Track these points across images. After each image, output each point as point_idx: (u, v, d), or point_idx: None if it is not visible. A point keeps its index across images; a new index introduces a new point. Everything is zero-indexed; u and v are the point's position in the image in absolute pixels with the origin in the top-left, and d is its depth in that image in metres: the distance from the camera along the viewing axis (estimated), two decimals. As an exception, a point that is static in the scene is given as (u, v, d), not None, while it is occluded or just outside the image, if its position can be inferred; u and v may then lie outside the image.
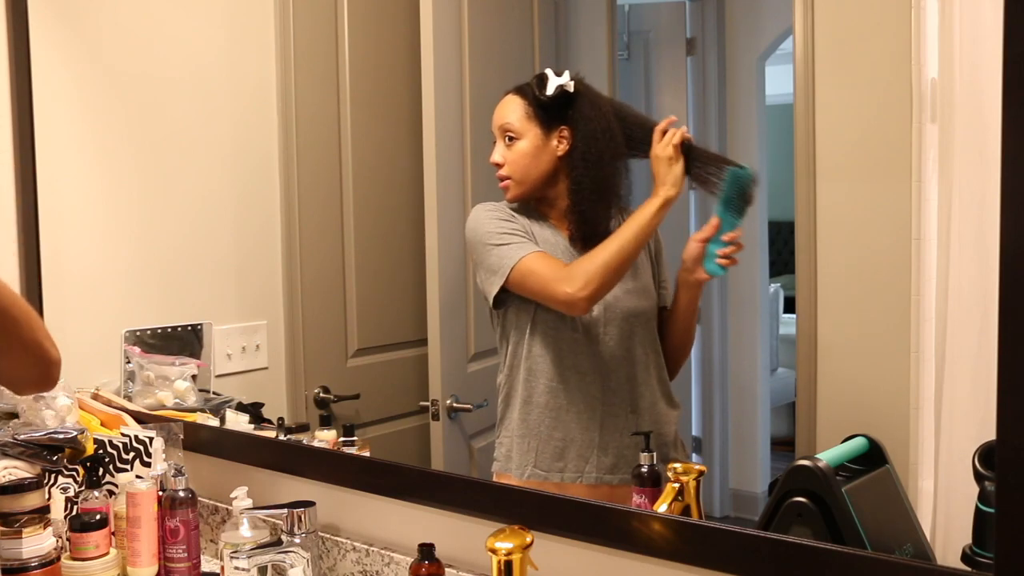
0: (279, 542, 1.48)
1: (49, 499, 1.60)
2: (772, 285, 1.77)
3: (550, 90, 1.56)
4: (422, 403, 1.85)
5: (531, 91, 1.58)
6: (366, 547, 1.53)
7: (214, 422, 1.95)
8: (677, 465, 1.35)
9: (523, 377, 1.59)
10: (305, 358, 2.10)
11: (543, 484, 1.57)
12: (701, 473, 1.34)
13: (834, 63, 1.37)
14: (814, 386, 1.39)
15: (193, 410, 1.99)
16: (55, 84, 2.03)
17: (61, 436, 1.65)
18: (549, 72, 1.57)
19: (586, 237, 1.56)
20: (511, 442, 1.62)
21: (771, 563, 1.13)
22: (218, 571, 1.59)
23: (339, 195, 2.10)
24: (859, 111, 1.36)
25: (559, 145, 1.57)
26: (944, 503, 1.23)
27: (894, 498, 1.22)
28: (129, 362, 2.03)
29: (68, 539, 1.58)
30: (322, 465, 1.67)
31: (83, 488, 1.66)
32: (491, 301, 1.59)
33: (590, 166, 1.56)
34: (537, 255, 1.55)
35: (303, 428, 1.95)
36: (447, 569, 1.37)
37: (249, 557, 1.47)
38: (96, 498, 1.61)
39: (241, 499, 1.61)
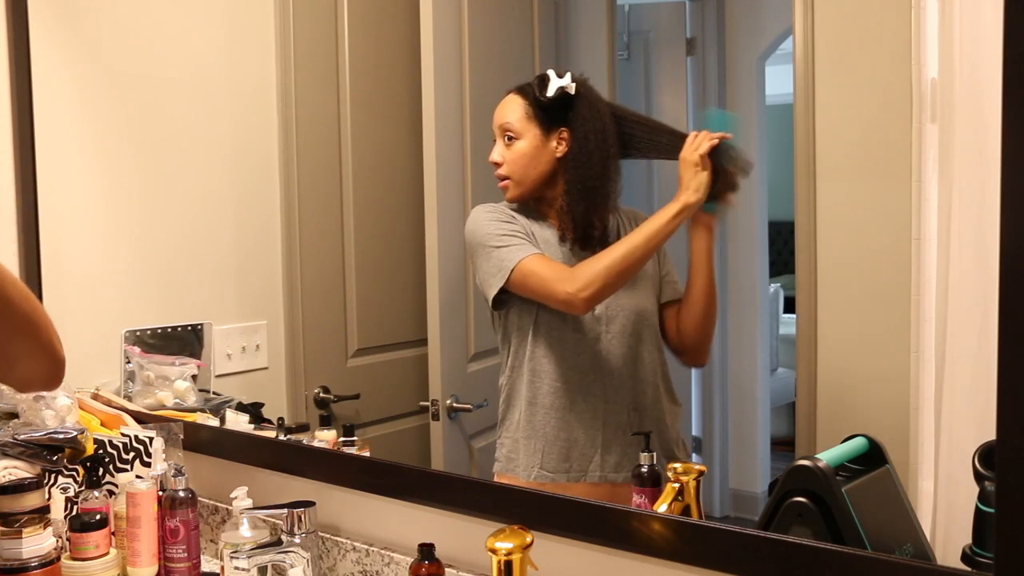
0: (279, 542, 1.48)
1: (49, 499, 1.60)
2: (772, 285, 1.77)
3: (551, 91, 1.56)
4: (422, 403, 1.85)
5: (532, 91, 1.58)
6: (366, 547, 1.53)
7: (214, 422, 1.95)
8: (677, 465, 1.35)
9: (527, 379, 1.59)
10: (305, 358, 2.10)
11: (549, 485, 1.57)
12: (701, 473, 1.34)
13: (834, 63, 1.37)
14: (814, 386, 1.39)
15: (193, 410, 1.99)
16: (55, 84, 2.03)
17: (61, 436, 1.65)
18: (551, 73, 1.57)
19: (581, 239, 1.56)
20: (514, 443, 1.62)
21: (771, 563, 1.13)
22: (218, 571, 1.59)
23: (339, 195, 2.10)
24: (859, 111, 1.36)
25: (558, 146, 1.57)
26: (944, 503, 1.23)
27: (894, 498, 1.22)
28: (129, 362, 2.03)
29: (68, 539, 1.58)
30: (322, 465, 1.67)
31: (83, 488, 1.66)
32: (491, 302, 1.59)
33: (586, 168, 1.56)
34: (537, 256, 1.55)
35: (303, 428, 1.95)
36: (447, 569, 1.37)
37: (249, 557, 1.47)
38: (96, 498, 1.61)
39: (241, 499, 1.61)
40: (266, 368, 2.15)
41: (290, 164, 2.09)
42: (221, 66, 2.16)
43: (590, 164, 1.56)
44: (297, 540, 1.48)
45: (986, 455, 1.06)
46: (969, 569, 1.06)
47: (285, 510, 1.49)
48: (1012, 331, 0.89)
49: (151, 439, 1.74)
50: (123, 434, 1.75)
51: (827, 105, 1.36)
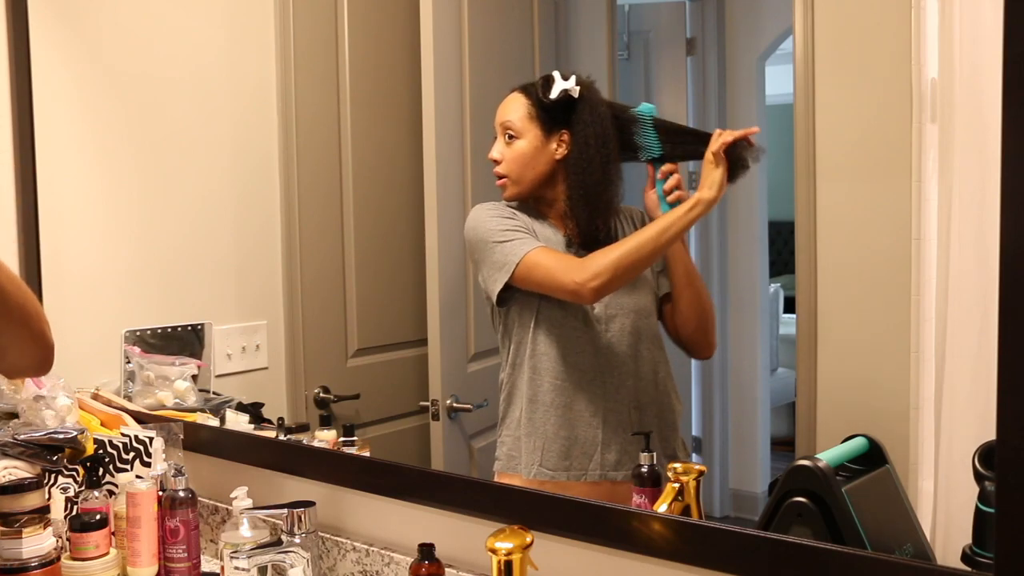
0: (279, 542, 1.48)
1: (49, 499, 1.60)
2: (772, 285, 1.77)
3: (554, 93, 1.55)
4: (422, 403, 1.85)
5: (536, 92, 1.58)
6: (366, 547, 1.53)
7: (214, 422, 1.95)
8: (677, 465, 1.35)
9: (527, 376, 1.59)
10: (305, 358, 2.10)
11: (549, 483, 1.57)
12: (701, 473, 1.34)
13: (834, 63, 1.37)
14: (814, 386, 1.39)
15: (193, 410, 1.99)
16: (55, 84, 2.03)
17: (61, 436, 1.65)
18: (556, 75, 1.56)
19: (585, 243, 1.56)
20: (515, 441, 1.62)
21: (771, 563, 1.13)
22: (218, 571, 1.59)
23: (339, 195, 2.10)
24: (859, 111, 1.36)
25: (558, 148, 1.57)
26: (944, 503, 1.23)
27: (894, 498, 1.22)
28: (129, 362, 2.03)
29: (68, 539, 1.58)
30: (322, 465, 1.67)
31: (83, 488, 1.66)
32: (495, 299, 1.58)
33: (586, 174, 1.56)
34: (542, 249, 1.55)
35: (303, 428, 1.95)
36: (447, 569, 1.37)
37: (249, 557, 1.47)
38: (96, 498, 1.61)
39: (241, 499, 1.61)
40: (266, 368, 2.15)
41: (290, 164, 2.09)
42: (221, 66, 2.16)
43: (591, 169, 1.55)
44: (297, 540, 1.48)
45: (986, 455, 1.06)
46: (969, 569, 1.06)
47: (285, 510, 1.49)
48: (1012, 331, 0.89)
49: (151, 439, 1.74)
50: (123, 434, 1.75)
51: (827, 105, 1.36)
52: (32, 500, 1.48)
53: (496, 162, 1.61)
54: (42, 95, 2.02)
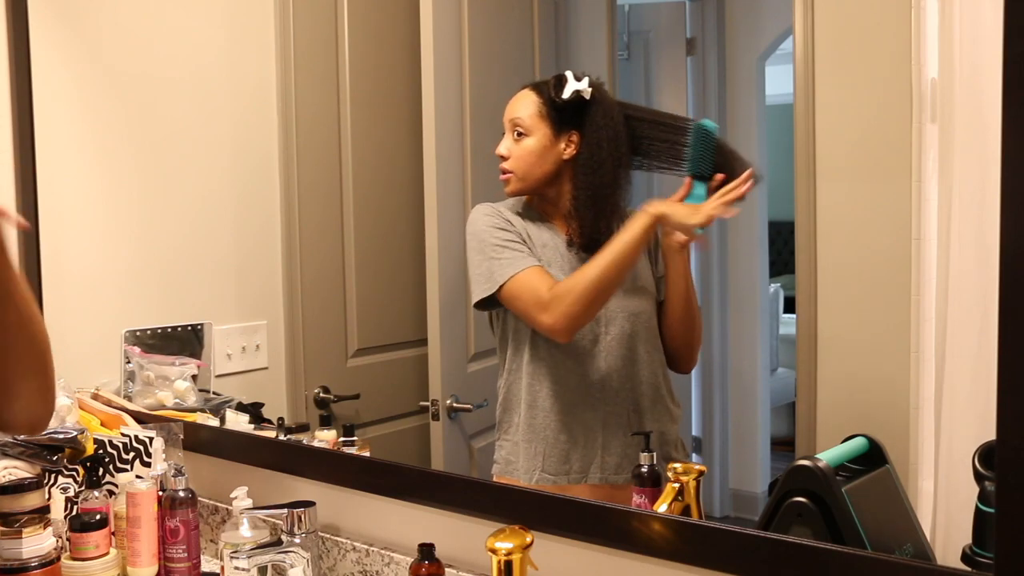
0: (279, 542, 1.48)
1: (49, 499, 1.60)
2: (772, 285, 1.77)
3: (566, 94, 1.55)
4: (422, 403, 1.85)
5: (547, 90, 1.57)
6: (366, 547, 1.53)
7: (214, 422, 1.95)
8: (677, 465, 1.35)
9: (526, 382, 1.59)
10: (305, 358, 2.10)
11: (550, 488, 1.57)
12: (701, 473, 1.34)
13: (834, 63, 1.37)
14: (814, 386, 1.39)
15: (193, 410, 1.99)
16: (55, 84, 2.03)
17: (61, 436, 1.65)
18: (569, 75, 1.55)
19: (586, 245, 1.56)
20: (514, 447, 1.62)
21: (771, 563, 1.13)
22: (218, 571, 1.59)
23: (339, 195, 2.10)
24: (859, 111, 1.36)
25: (566, 148, 1.57)
26: (944, 503, 1.23)
27: (894, 498, 1.22)
28: (129, 362, 2.03)
29: (68, 539, 1.58)
30: (322, 465, 1.67)
31: (83, 488, 1.66)
32: (474, 306, 1.61)
33: (596, 175, 1.55)
34: (525, 275, 1.55)
35: (303, 428, 1.95)
36: (447, 569, 1.37)
37: (249, 557, 1.47)
38: (96, 498, 1.61)
39: (241, 499, 1.61)
40: (266, 368, 2.15)
41: (290, 164, 2.09)
42: (221, 66, 2.16)
43: (601, 171, 1.55)
44: (297, 540, 1.48)
45: (986, 455, 1.06)
46: (969, 569, 1.06)
47: (285, 510, 1.49)
48: (1012, 331, 0.89)
49: (151, 439, 1.74)
50: (123, 434, 1.75)
51: (827, 105, 1.36)
52: (32, 500, 1.48)
53: (503, 158, 1.61)
54: (42, 95, 2.02)
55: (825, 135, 1.36)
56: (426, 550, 1.34)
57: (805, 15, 1.39)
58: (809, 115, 1.37)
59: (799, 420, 1.42)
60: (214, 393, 2.07)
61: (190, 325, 2.12)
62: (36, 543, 1.46)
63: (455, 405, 1.82)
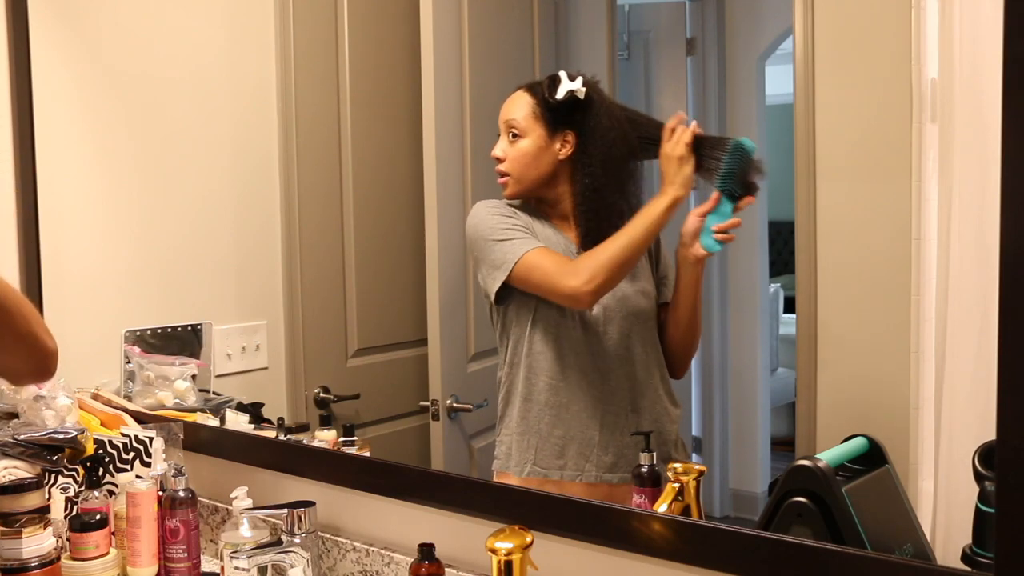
0: (279, 542, 1.48)
1: (49, 499, 1.60)
2: (772, 285, 1.77)
3: (560, 94, 1.54)
4: (422, 403, 1.85)
5: (541, 91, 1.57)
6: (366, 547, 1.53)
7: (214, 422, 1.95)
8: (677, 465, 1.34)
9: (523, 374, 1.59)
10: (305, 358, 2.10)
11: (542, 482, 1.57)
12: (701, 473, 1.34)
13: (834, 63, 1.37)
14: (814, 386, 1.39)
15: (193, 410, 1.99)
16: (55, 84, 2.03)
17: (61, 436, 1.65)
18: (563, 75, 1.55)
19: (586, 245, 1.55)
20: (511, 439, 1.62)
21: (771, 563, 1.13)
22: (218, 571, 1.59)
23: (339, 195, 2.10)
24: (859, 111, 1.36)
25: (562, 149, 1.57)
26: (944, 503, 1.23)
27: (894, 498, 1.22)
28: (129, 362, 2.03)
29: (68, 539, 1.58)
30: (322, 465, 1.67)
31: (83, 488, 1.66)
32: (493, 297, 1.58)
33: (596, 173, 1.55)
34: (540, 250, 1.55)
35: (303, 428, 1.95)
36: (447, 569, 1.37)
37: (249, 557, 1.47)
38: (96, 498, 1.61)
39: (241, 499, 1.61)
40: (266, 368, 2.15)
41: (290, 164, 2.09)
42: (221, 66, 2.16)
43: (599, 170, 1.55)
44: (297, 540, 1.48)
45: (986, 455, 1.06)
46: (969, 569, 1.06)
47: (285, 510, 1.49)
48: (1012, 331, 0.89)
49: (151, 439, 1.74)
50: (123, 434, 1.75)
51: (827, 105, 1.36)
52: (32, 500, 1.48)
53: (499, 160, 1.60)
54: (42, 95, 2.02)
55: (825, 135, 1.36)
56: (426, 550, 1.34)
57: (805, 15, 1.39)
58: (809, 115, 1.37)
59: (799, 420, 1.42)
60: (214, 393, 2.07)
61: (190, 325, 2.12)
62: (36, 543, 1.46)
63: (455, 405, 1.82)
